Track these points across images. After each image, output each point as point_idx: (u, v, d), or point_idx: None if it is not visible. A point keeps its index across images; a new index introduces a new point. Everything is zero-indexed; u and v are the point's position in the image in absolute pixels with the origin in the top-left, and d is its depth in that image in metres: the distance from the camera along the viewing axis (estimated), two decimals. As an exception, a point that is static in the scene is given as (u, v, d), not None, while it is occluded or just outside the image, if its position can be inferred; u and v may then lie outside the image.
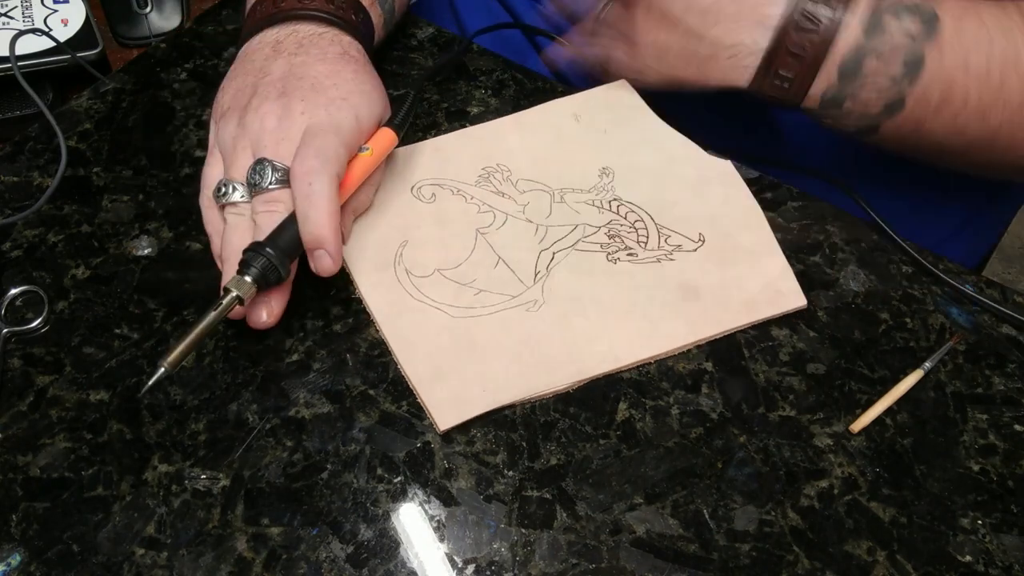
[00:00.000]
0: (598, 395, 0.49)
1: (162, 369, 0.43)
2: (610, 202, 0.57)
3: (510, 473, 0.46)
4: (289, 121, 0.50)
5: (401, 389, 0.49)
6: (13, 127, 0.69)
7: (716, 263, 0.54)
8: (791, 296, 0.53)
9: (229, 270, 0.47)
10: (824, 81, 0.54)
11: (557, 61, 0.66)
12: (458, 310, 0.51)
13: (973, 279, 0.55)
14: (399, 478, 0.46)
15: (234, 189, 0.49)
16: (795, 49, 0.53)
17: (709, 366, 0.51)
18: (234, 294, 0.46)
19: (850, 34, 0.53)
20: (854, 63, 0.53)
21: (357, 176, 0.51)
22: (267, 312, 0.48)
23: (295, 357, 0.50)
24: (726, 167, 0.59)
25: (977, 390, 0.50)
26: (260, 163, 0.49)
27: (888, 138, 0.57)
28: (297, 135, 0.49)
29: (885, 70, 0.53)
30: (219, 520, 0.44)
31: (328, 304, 0.52)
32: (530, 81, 0.64)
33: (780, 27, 0.53)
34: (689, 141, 0.60)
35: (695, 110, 0.60)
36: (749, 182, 0.58)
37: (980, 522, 0.46)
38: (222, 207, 0.50)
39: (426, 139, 0.60)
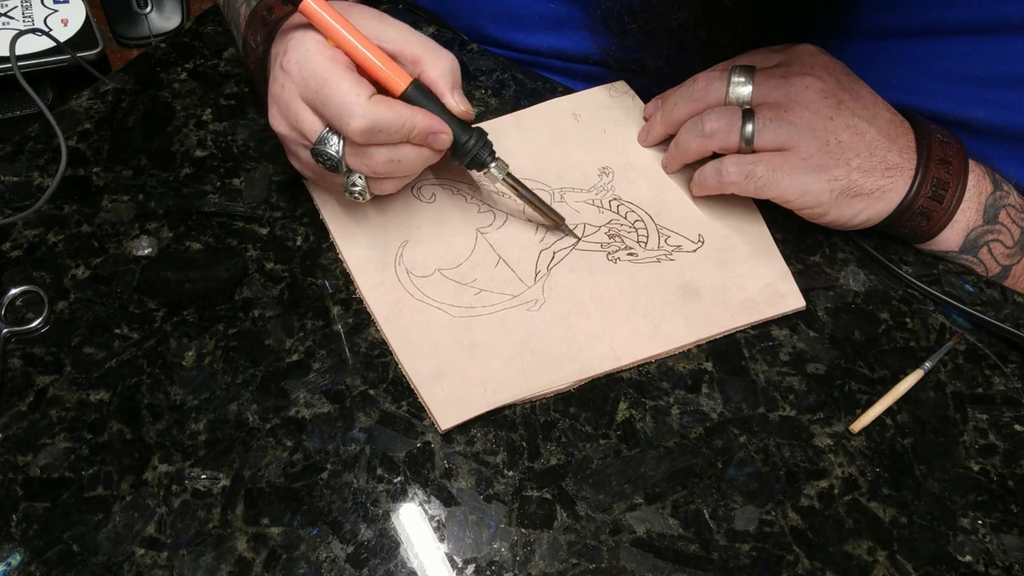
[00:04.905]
0: (598, 395, 0.49)
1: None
2: (610, 201, 0.57)
3: (510, 473, 0.46)
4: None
5: (401, 389, 0.49)
6: (13, 127, 0.69)
7: (715, 264, 0.54)
8: (790, 297, 0.53)
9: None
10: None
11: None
12: (459, 310, 0.51)
13: (973, 279, 0.55)
14: (399, 478, 0.46)
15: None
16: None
17: (709, 366, 0.51)
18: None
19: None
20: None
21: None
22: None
23: (295, 357, 0.50)
24: None
25: (977, 390, 0.50)
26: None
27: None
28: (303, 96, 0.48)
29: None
30: (219, 520, 0.44)
31: (328, 304, 0.52)
32: (530, 81, 0.64)
33: None
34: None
35: None
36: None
37: (980, 522, 0.46)
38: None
39: None
